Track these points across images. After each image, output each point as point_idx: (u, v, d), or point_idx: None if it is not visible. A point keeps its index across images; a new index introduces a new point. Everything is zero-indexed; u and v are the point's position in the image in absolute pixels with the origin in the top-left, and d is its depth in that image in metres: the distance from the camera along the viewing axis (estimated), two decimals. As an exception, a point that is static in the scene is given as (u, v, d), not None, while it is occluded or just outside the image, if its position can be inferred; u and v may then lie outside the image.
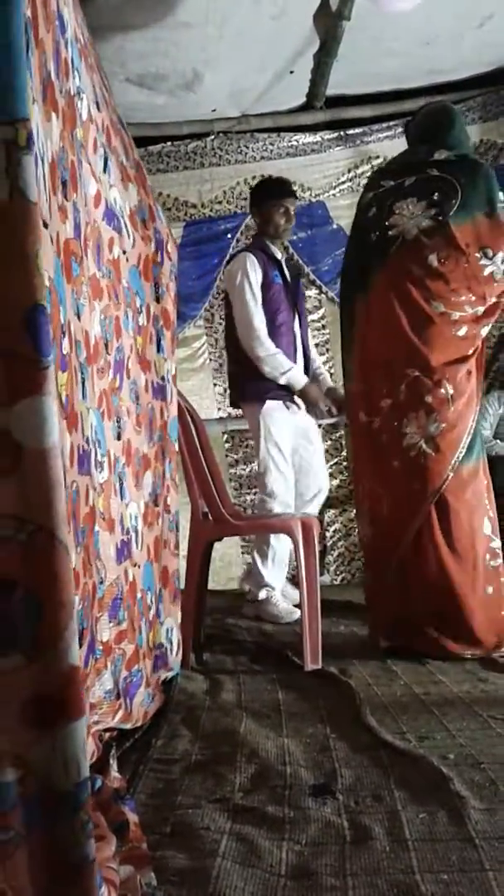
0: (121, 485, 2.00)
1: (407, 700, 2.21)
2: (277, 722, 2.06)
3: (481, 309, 2.68)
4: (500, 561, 2.67)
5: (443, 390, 2.63)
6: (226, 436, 4.46)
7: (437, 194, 2.67)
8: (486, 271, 2.64)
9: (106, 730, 1.77)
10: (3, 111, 0.95)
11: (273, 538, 3.43)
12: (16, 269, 0.96)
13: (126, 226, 2.14)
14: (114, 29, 3.21)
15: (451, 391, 2.64)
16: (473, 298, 2.66)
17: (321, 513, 4.29)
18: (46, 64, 1.35)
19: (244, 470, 4.45)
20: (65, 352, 1.40)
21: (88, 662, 1.50)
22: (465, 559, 2.62)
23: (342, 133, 4.45)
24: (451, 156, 2.75)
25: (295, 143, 4.45)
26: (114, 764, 1.69)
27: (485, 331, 2.74)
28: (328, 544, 4.41)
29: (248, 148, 4.44)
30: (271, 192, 3.55)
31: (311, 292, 4.50)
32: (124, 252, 2.12)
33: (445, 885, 1.25)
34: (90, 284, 1.74)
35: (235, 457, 4.46)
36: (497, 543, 2.68)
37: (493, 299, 2.68)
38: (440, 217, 2.65)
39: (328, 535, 4.40)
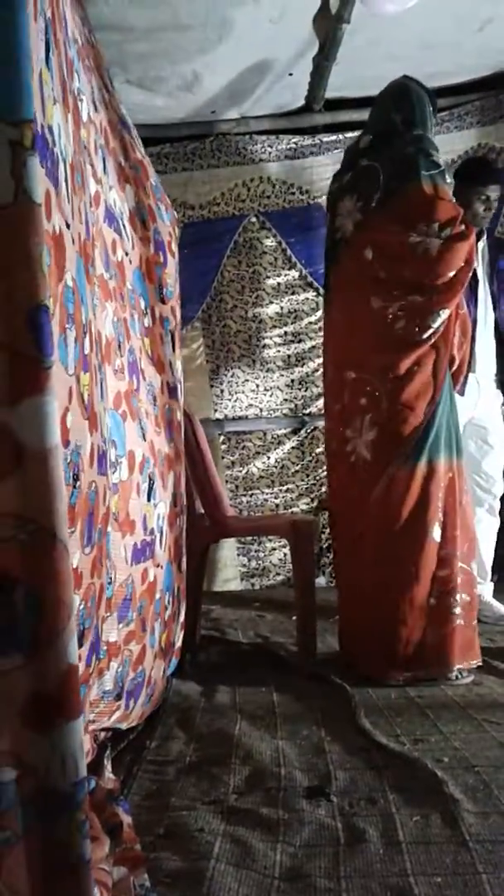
0: (150, 485, 1.99)
1: (401, 703, 2.21)
2: (272, 724, 2.07)
3: (419, 298, 2.48)
4: (448, 570, 2.44)
5: (376, 392, 2.50)
6: (222, 437, 4.46)
7: (364, 185, 2.60)
8: (417, 248, 2.46)
9: (101, 729, 1.77)
10: (10, 112, 0.95)
11: None
12: (20, 269, 0.96)
13: (125, 227, 2.14)
14: (114, 30, 3.21)
15: (381, 391, 2.49)
16: (409, 285, 2.49)
17: (317, 514, 4.30)
18: (62, 65, 1.36)
19: (240, 472, 4.46)
20: (86, 352, 1.40)
21: (91, 662, 1.50)
22: (403, 568, 2.43)
23: (341, 136, 4.46)
24: (380, 134, 2.66)
25: (294, 145, 4.45)
26: (108, 765, 1.69)
27: (436, 322, 2.48)
28: (324, 546, 4.41)
29: (246, 150, 4.44)
30: (475, 178, 3.21)
31: (310, 294, 4.50)
32: (127, 254, 2.12)
33: (439, 887, 1.25)
34: (100, 285, 1.75)
35: (232, 458, 4.47)
36: (449, 551, 2.45)
37: (438, 283, 2.48)
38: (369, 207, 2.57)
39: (324, 536, 4.41)
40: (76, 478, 1.31)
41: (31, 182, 0.95)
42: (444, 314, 2.50)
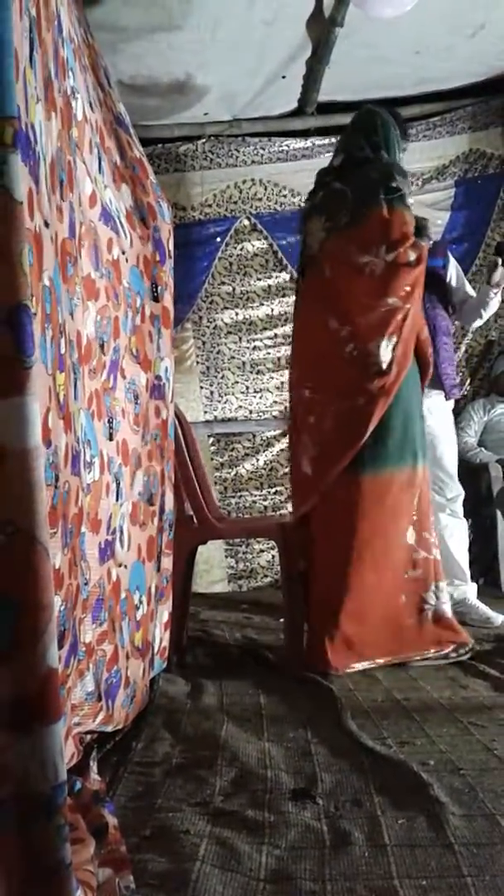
0: (118, 485, 1.99)
1: (388, 705, 2.21)
2: (258, 726, 2.06)
3: (363, 321, 2.55)
4: (418, 571, 2.60)
5: (327, 410, 2.60)
6: (212, 439, 4.46)
7: (333, 206, 2.68)
8: (364, 269, 2.55)
9: (87, 732, 1.76)
10: (-9, 108, 0.95)
11: None
12: (1, 267, 0.95)
13: (123, 226, 2.13)
14: (107, 30, 3.21)
15: (331, 410, 2.58)
16: (357, 307, 2.57)
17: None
18: (48, 64, 1.36)
19: (230, 473, 4.45)
20: (62, 352, 1.39)
21: (70, 664, 1.49)
22: (372, 568, 2.55)
23: (333, 139, 4.45)
24: (350, 159, 2.74)
25: (286, 147, 4.46)
26: (94, 766, 1.68)
27: (383, 349, 2.52)
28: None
29: (239, 152, 4.44)
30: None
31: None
32: (124, 252, 2.11)
33: (424, 890, 1.25)
34: (84, 285, 1.74)
35: (221, 460, 4.46)
36: (422, 554, 2.62)
37: (379, 308, 2.54)
38: (333, 227, 2.66)
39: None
40: (56, 479, 1.30)
41: (12, 179, 0.94)
42: (392, 342, 2.54)
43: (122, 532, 2.05)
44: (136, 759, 1.84)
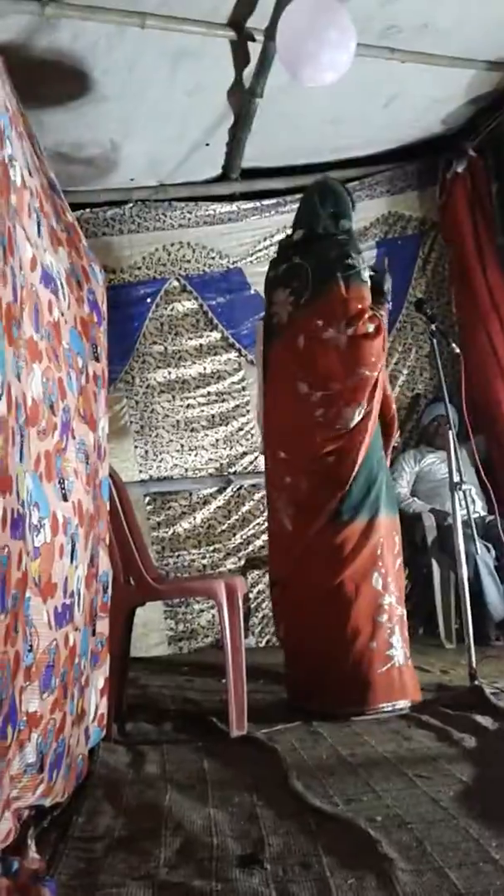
0: (73, 547, 1.96)
1: (333, 762, 2.19)
2: (203, 792, 2.01)
3: (337, 386, 2.74)
4: (385, 617, 2.68)
5: (300, 471, 2.78)
6: (147, 498, 4.43)
7: (295, 281, 2.87)
8: (329, 343, 2.76)
9: (25, 807, 1.69)
10: None
11: None
12: None
13: (63, 287, 2.15)
14: (29, 99, 3.26)
15: (304, 471, 2.77)
16: (327, 376, 2.76)
17: (245, 573, 4.28)
18: None
19: (166, 532, 4.42)
20: (2, 414, 1.38)
21: (7, 734, 1.43)
22: (341, 615, 2.66)
23: (258, 203, 4.60)
24: (310, 233, 2.93)
25: (212, 211, 4.57)
26: (32, 844, 1.61)
27: (354, 415, 2.74)
28: (252, 606, 4.38)
29: (166, 216, 4.54)
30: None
31: (232, 354, 4.57)
32: (62, 314, 2.12)
33: None
34: (27, 347, 1.73)
35: (158, 519, 4.43)
36: (388, 599, 2.70)
37: (346, 380, 2.74)
38: (299, 302, 2.84)
39: (252, 596, 4.38)
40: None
41: None
42: (360, 409, 2.75)
43: (79, 595, 2.01)
44: (76, 833, 1.77)
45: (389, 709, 2.63)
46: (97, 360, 2.42)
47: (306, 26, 2.88)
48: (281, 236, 4.45)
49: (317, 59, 2.93)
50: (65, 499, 1.94)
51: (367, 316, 2.79)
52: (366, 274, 2.87)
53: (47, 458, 1.85)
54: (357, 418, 2.75)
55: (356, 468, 2.72)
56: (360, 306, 2.79)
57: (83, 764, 2.11)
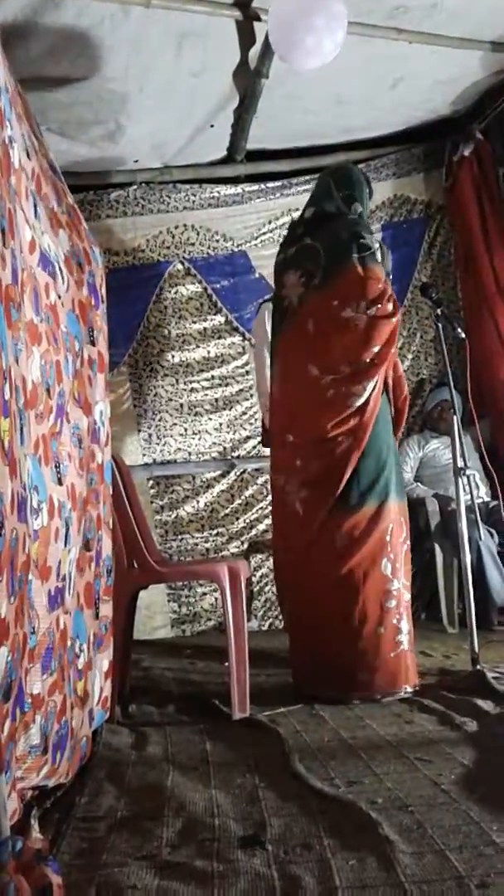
0: (67, 530, 1.96)
1: (335, 745, 2.20)
2: (205, 773, 2.02)
3: (347, 370, 2.73)
4: (394, 603, 2.68)
5: (310, 453, 2.75)
6: (151, 482, 4.43)
7: (307, 262, 2.85)
8: (349, 323, 2.72)
9: (29, 788, 1.70)
10: None
11: None
12: None
13: (61, 270, 2.14)
14: (33, 79, 3.23)
15: (314, 453, 2.74)
16: (340, 357, 2.74)
17: (248, 557, 4.29)
18: None
19: (170, 516, 4.42)
20: (6, 397, 1.37)
21: (16, 716, 1.44)
22: (350, 600, 2.65)
23: (263, 186, 4.57)
24: (320, 212, 2.92)
25: (217, 194, 4.54)
26: (35, 824, 1.62)
27: (363, 393, 2.72)
28: (255, 590, 4.39)
29: (170, 198, 4.51)
30: None
31: (236, 338, 4.56)
32: (59, 297, 2.11)
33: (376, 932, 1.23)
34: (27, 330, 1.73)
35: (161, 503, 4.43)
36: (396, 585, 2.70)
37: (362, 358, 2.72)
38: (310, 284, 2.82)
39: (255, 579, 4.39)
40: (2, 526, 1.28)
41: None
42: (371, 385, 2.74)
43: (70, 579, 2.01)
44: (79, 814, 1.78)
45: (399, 693, 2.63)
46: (93, 343, 2.41)
47: (294, 11, 2.87)
48: (286, 219, 4.45)
49: (302, 43, 2.91)
50: (59, 482, 1.95)
51: (388, 295, 2.77)
52: (378, 254, 2.85)
53: (44, 441, 1.85)
54: (366, 394, 2.72)
55: (362, 447, 2.70)
56: (380, 286, 2.76)
57: (87, 745, 2.13)
